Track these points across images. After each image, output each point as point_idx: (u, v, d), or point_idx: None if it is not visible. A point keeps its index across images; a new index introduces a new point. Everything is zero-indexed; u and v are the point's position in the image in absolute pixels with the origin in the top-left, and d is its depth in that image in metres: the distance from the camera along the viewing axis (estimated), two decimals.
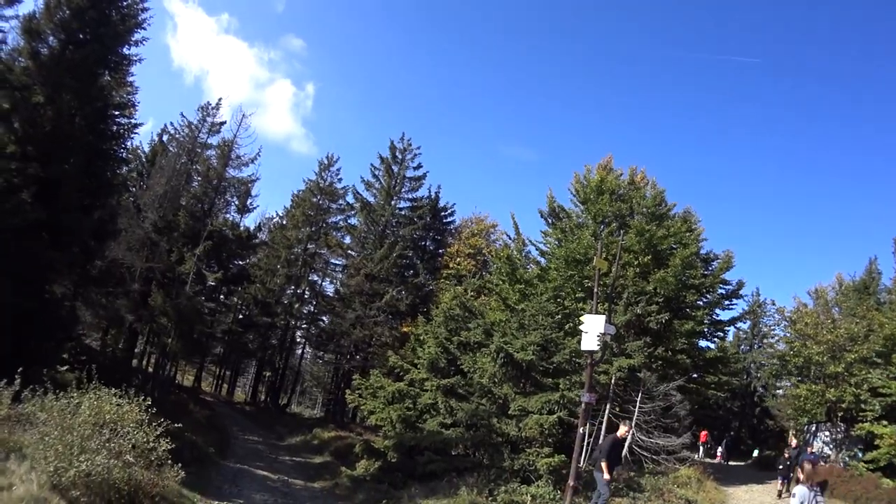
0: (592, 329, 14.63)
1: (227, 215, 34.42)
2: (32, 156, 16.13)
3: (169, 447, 9.09)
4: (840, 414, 24.66)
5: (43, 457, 7.33)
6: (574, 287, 21.10)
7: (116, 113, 20.10)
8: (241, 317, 43.17)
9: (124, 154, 22.73)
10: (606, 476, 12.10)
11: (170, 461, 9.25)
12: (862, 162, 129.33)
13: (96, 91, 18.16)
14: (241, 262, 35.76)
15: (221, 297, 36.38)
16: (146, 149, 35.96)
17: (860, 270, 35.52)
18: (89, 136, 18.12)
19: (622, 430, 13.37)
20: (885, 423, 21.58)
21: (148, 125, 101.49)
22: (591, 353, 15.04)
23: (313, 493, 18.83)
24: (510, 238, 26.94)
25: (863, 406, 22.82)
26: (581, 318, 15.54)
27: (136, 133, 21.45)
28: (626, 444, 13.50)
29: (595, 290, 15.59)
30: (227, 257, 32.62)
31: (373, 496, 17.30)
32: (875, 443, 21.68)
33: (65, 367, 18.70)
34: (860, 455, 23.12)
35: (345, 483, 19.92)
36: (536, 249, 24.88)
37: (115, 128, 20.05)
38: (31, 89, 16.50)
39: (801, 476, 8.98)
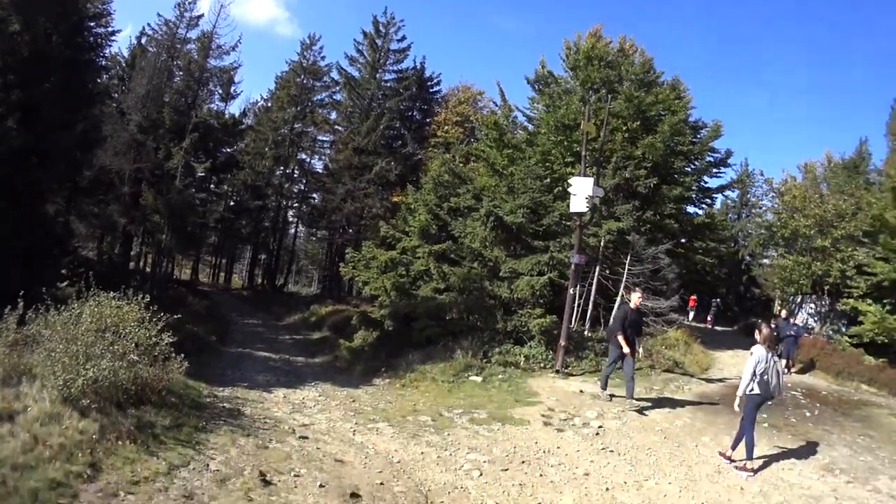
0: (581, 191, 14.69)
1: (212, 105, 35.00)
2: (13, 83, 15.72)
3: (170, 340, 9.13)
4: (826, 288, 25.00)
5: (51, 372, 7.18)
6: (563, 152, 20.89)
7: (92, 24, 19.92)
8: (232, 203, 43.48)
9: (103, 62, 22.89)
10: (626, 349, 11.78)
11: (173, 354, 9.28)
12: (858, 42, 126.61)
13: (71, 6, 17.61)
14: (228, 150, 35.95)
15: (211, 186, 36.96)
16: (126, 54, 35.48)
17: (850, 150, 35.40)
18: (67, 50, 17.67)
19: (634, 300, 12.70)
20: (869, 301, 21.77)
21: (126, 30, 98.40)
22: (580, 214, 15.15)
23: (314, 369, 19.14)
24: (497, 105, 26.67)
25: (848, 282, 23.13)
26: (570, 182, 15.54)
27: (114, 40, 21.80)
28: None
29: (583, 153, 15.53)
30: (213, 146, 32.90)
31: (371, 365, 17.66)
32: (859, 319, 21.96)
33: (65, 283, 18.89)
34: (844, 329, 23.54)
35: (344, 355, 20.31)
36: (524, 116, 24.57)
37: (92, 38, 19.86)
38: (6, 21, 15.92)
39: (758, 337, 9.11)
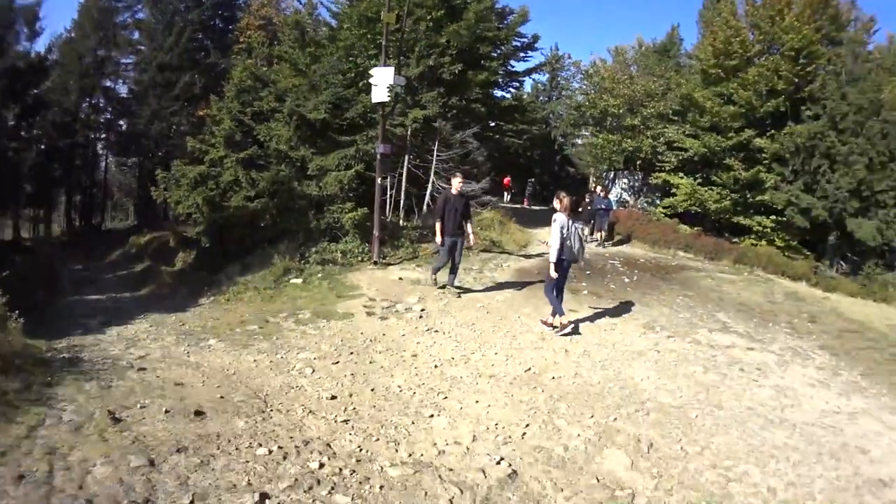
0: (381, 81, 14.62)
1: (18, 47, 32.39)
2: None
3: (2, 301, 8.52)
4: (638, 163, 26.17)
5: None
6: (366, 45, 20.59)
7: None
8: (43, 147, 40.57)
9: None
10: (438, 239, 11.81)
11: (8, 313, 8.81)
12: None
13: None
14: (36, 91, 33.63)
15: (22, 133, 34.77)
16: None
17: (661, 36, 36.78)
18: None
19: (455, 185, 12.41)
20: (681, 174, 23.20)
21: None
22: (383, 105, 15.15)
23: (141, 301, 18.62)
24: (301, 4, 26.06)
25: (660, 157, 24.33)
26: (371, 73, 15.44)
27: None
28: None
29: (384, 44, 15.37)
30: (21, 90, 30.94)
31: (195, 286, 17.27)
32: (672, 191, 23.42)
33: None
34: (658, 202, 25.00)
35: (167, 282, 19.88)
36: (328, 12, 24.04)
37: None
38: None
39: (559, 206, 9.46)
